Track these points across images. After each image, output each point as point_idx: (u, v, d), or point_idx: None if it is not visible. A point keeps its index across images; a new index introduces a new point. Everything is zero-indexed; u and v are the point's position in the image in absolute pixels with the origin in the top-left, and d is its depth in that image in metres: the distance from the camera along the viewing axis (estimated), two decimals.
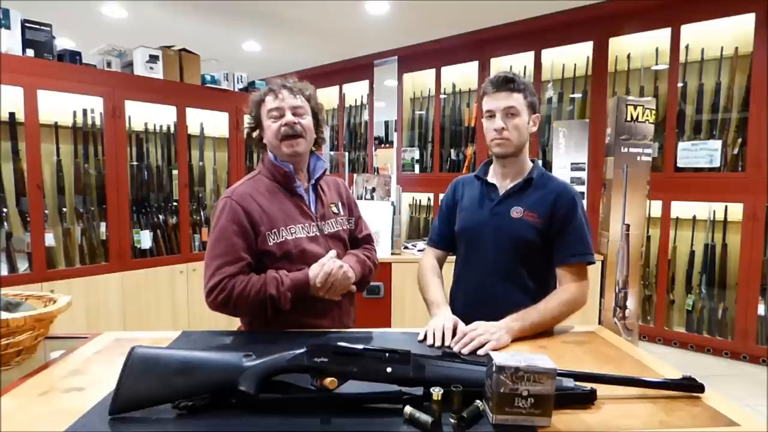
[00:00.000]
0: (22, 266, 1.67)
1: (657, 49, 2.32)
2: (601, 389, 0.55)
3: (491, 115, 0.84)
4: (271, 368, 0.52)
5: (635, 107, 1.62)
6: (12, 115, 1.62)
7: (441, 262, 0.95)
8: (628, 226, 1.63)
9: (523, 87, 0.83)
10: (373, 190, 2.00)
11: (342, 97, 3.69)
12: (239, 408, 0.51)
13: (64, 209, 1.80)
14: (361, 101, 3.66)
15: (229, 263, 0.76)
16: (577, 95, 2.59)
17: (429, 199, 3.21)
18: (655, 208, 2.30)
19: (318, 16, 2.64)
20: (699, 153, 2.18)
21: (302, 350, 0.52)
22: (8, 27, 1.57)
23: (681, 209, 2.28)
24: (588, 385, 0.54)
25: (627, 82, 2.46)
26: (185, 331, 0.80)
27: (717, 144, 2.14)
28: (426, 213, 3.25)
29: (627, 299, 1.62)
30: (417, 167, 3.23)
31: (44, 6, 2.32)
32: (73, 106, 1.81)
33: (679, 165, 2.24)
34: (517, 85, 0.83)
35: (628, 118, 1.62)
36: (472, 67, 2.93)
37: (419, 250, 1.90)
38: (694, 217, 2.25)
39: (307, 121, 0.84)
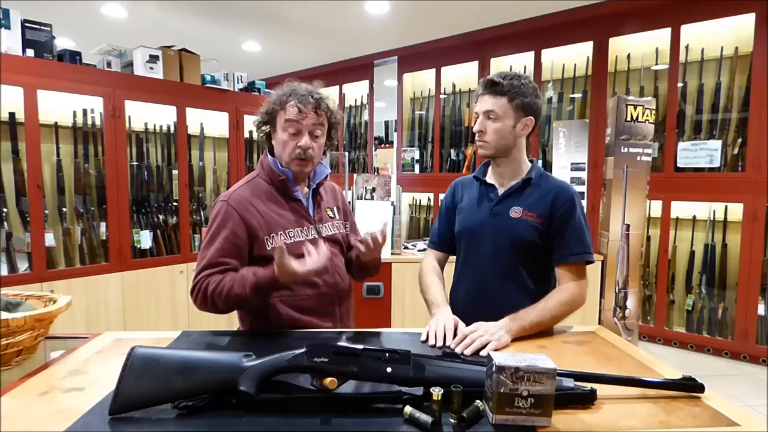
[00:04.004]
0: (22, 266, 1.67)
1: (657, 49, 2.32)
2: (601, 389, 0.54)
3: (477, 116, 0.85)
4: (271, 368, 0.52)
5: (635, 107, 1.62)
6: (12, 115, 1.62)
7: (442, 264, 0.95)
8: (628, 226, 1.63)
9: (508, 89, 0.81)
10: (373, 190, 2.00)
11: (342, 97, 3.69)
12: (239, 408, 0.51)
13: (64, 209, 1.80)
14: (361, 101, 3.66)
15: (213, 266, 0.77)
16: (577, 95, 2.59)
17: (429, 199, 3.21)
18: (655, 208, 2.29)
19: (318, 16, 2.63)
20: (699, 153, 2.18)
21: (302, 350, 0.52)
22: (8, 27, 1.58)
23: (681, 209, 2.27)
24: (588, 385, 0.54)
25: (627, 82, 2.45)
26: (185, 331, 0.80)
27: (717, 144, 2.14)
28: (426, 213, 3.24)
29: (627, 299, 1.62)
30: (417, 167, 3.23)
31: (44, 6, 2.32)
32: (73, 106, 1.81)
33: (679, 165, 2.24)
34: (502, 88, 0.81)
35: (628, 118, 1.62)
36: (472, 66, 2.93)
37: (419, 250, 1.90)
38: (694, 217, 2.24)
39: (321, 142, 0.84)
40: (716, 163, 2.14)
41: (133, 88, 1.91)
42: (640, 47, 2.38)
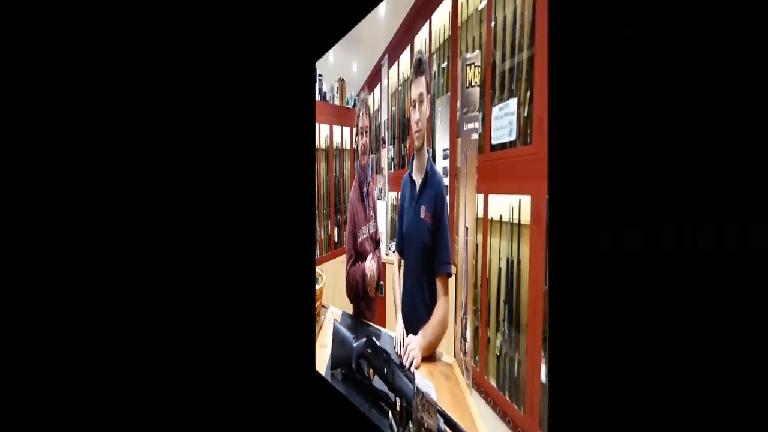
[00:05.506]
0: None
1: None
2: None
3: (413, 104, 0.72)
4: (357, 354, 0.64)
5: (470, 67, 0.84)
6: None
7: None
8: (467, 229, 0.99)
9: (425, 66, 0.68)
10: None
11: None
12: (350, 381, 0.65)
13: (324, 210, 2.05)
14: None
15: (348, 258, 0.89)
16: (444, 64, 1.04)
17: None
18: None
19: None
20: (503, 121, 0.82)
21: (364, 340, 0.63)
22: None
23: (498, 206, 1.15)
24: None
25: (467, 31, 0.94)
26: (344, 311, 0.90)
27: (513, 105, 0.72)
28: None
29: (467, 328, 0.94)
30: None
31: None
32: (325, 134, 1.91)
33: (492, 141, 0.84)
34: (424, 65, 0.69)
35: (467, 84, 0.86)
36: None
37: None
38: (501, 217, 1.03)
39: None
40: (513, 135, 0.73)
41: (331, 114, 2.25)
42: None
